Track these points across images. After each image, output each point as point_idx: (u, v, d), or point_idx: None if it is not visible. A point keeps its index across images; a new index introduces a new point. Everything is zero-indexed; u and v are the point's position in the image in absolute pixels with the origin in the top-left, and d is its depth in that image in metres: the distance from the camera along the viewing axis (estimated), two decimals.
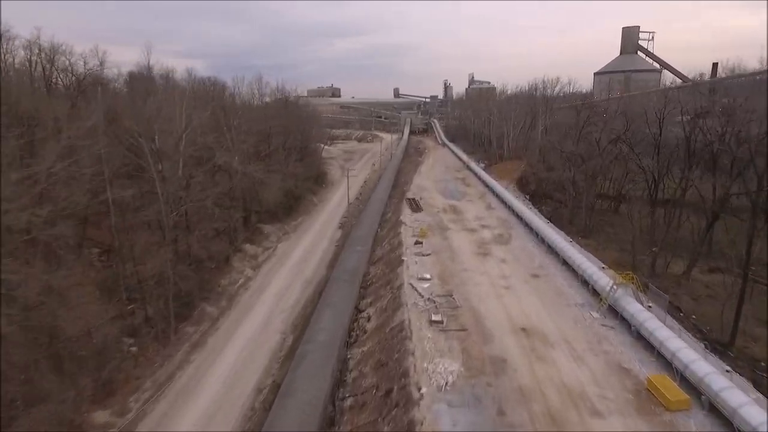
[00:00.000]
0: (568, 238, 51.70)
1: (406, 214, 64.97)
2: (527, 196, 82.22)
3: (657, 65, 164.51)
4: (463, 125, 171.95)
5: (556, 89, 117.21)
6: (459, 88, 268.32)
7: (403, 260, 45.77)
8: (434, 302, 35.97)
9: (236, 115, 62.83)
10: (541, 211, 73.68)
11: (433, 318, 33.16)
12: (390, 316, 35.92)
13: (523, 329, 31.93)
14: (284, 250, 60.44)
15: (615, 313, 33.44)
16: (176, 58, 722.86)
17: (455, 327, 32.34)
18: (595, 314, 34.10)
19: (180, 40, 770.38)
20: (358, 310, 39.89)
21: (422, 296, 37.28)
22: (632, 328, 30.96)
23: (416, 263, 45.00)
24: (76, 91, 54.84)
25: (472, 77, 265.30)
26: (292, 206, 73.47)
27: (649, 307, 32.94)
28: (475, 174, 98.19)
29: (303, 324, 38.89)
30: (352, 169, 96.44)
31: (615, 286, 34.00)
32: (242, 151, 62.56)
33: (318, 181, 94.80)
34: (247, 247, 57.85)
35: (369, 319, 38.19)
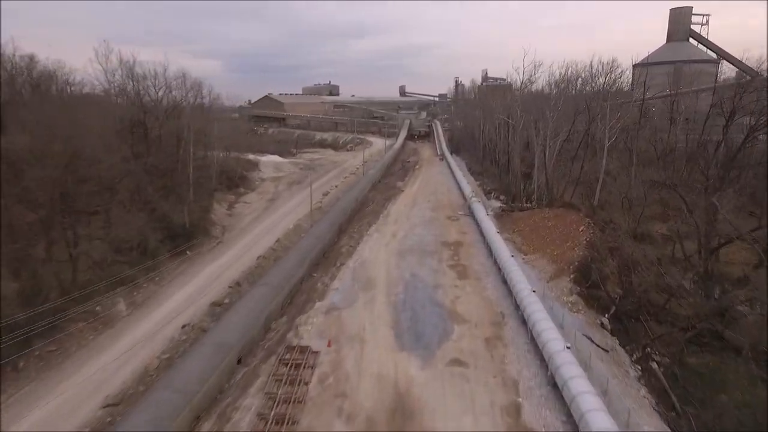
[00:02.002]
0: None
1: None
2: (605, 318, 34.63)
3: (713, 54, 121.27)
4: (470, 130, 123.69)
5: (610, 79, 68.97)
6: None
7: None
8: None
9: None
10: (646, 371, 26.59)
11: None
12: None
13: None
14: None
15: None
16: (194, 58, 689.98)
17: None
18: None
19: (198, 40, 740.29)
20: None
21: None
22: None
23: None
24: None
25: (486, 74, 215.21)
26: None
27: None
28: (484, 235, 50.17)
29: None
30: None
31: None
32: None
33: (174, 240, 47.73)
34: None
35: None
